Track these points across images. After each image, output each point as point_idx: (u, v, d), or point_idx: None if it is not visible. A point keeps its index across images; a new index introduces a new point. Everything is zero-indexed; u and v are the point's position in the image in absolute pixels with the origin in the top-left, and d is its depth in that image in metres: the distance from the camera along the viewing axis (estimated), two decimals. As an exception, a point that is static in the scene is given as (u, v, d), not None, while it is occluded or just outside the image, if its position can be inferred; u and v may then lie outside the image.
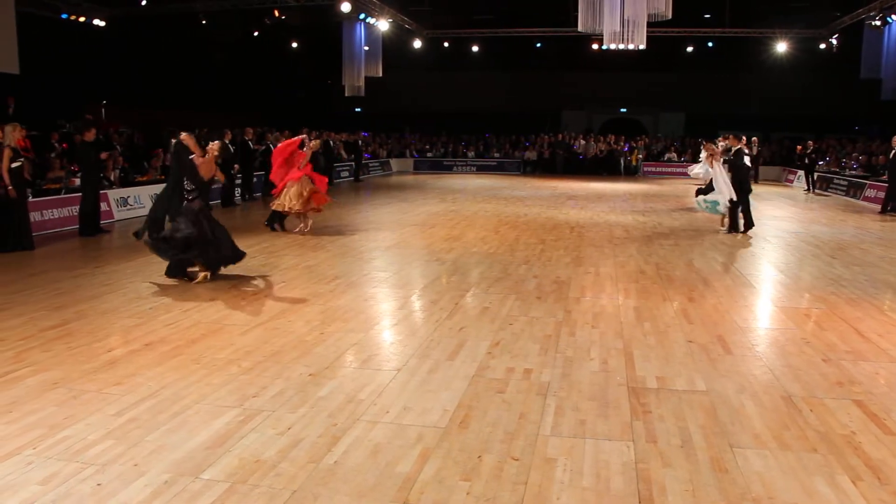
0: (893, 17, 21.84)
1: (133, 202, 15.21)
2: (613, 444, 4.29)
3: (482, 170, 31.38)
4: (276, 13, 25.80)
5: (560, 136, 32.35)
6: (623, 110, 35.86)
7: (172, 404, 4.78)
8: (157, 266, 9.43)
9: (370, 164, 28.97)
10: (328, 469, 3.93)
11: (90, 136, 12.44)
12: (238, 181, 17.81)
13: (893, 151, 17.27)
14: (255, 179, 18.83)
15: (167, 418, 4.55)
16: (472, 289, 8.49)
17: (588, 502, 3.64)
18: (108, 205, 14.34)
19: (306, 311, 7.31)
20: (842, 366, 5.76)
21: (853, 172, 22.69)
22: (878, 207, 17.53)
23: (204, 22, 24.84)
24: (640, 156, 30.79)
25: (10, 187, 10.64)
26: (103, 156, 14.04)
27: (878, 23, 22.61)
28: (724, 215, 13.66)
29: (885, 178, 18.29)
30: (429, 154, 32.49)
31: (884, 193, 17.68)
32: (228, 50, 28.97)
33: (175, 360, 5.67)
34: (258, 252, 10.63)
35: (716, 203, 13.62)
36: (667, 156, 30.53)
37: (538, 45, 31.96)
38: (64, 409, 4.69)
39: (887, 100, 22.43)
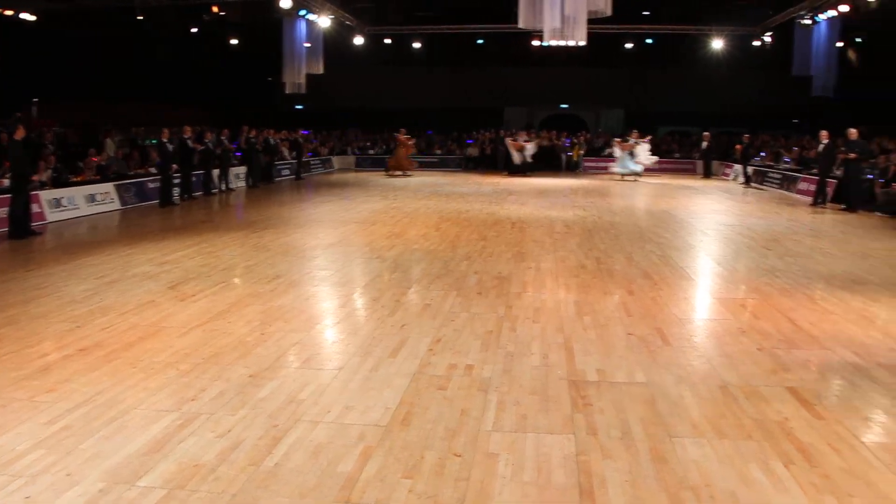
0: (821, 16, 22.51)
1: (67, 203, 14.83)
2: (555, 437, 4.33)
3: (424, 166, 31.29)
4: (215, 9, 25.40)
5: (502, 132, 32.47)
6: (564, 106, 36.16)
7: (108, 410, 4.67)
8: (93, 269, 9.25)
9: (311, 163, 28.69)
10: (268, 471, 3.89)
11: (19, 134, 12.09)
12: (176, 181, 17.48)
13: (822, 146, 17.83)
14: (193, 179, 18.50)
15: (102, 425, 4.45)
16: (413, 286, 8.49)
17: (529, 496, 3.67)
18: (40, 206, 13.95)
19: (246, 311, 7.22)
20: (776, 354, 5.92)
21: (786, 166, 23.27)
22: (810, 200, 18.02)
23: (140, 17, 24.32)
24: (582, 151, 31.07)
25: None
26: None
27: (807, 21, 23.28)
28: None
29: (815, 171, 18.82)
30: (370, 151, 32.29)
31: (815, 186, 18.19)
32: (167, 46, 28.40)
33: (111, 365, 5.54)
34: (197, 252, 10.47)
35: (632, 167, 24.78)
36: (607, 151, 30.79)
37: (480, 41, 32.03)
38: (-7, 418, 4.55)
39: (818, 96, 23.16)
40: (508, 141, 28.46)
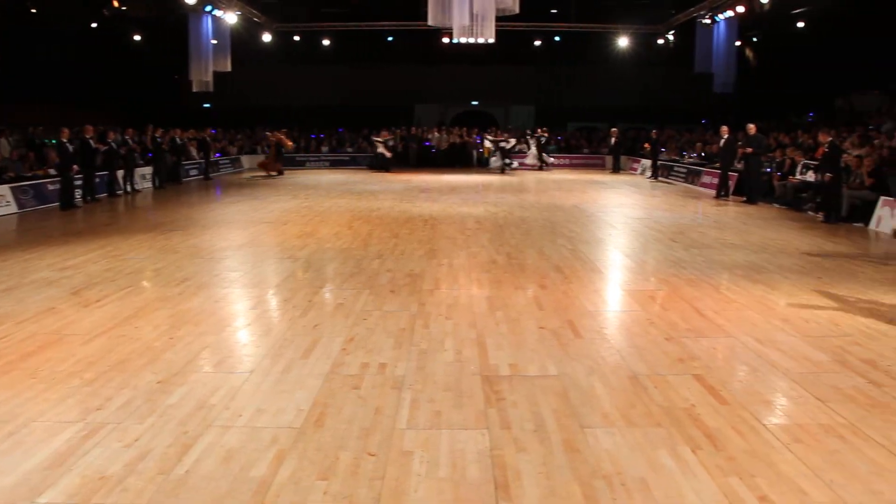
0: (720, 16, 23.39)
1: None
2: (469, 433, 4.36)
3: (335, 165, 31.09)
4: (116, 4, 24.60)
5: (413, 129, 32.51)
6: (474, 103, 36.43)
7: (4, 425, 4.45)
8: (-12, 275, 8.85)
9: (220, 162, 28.07)
10: (179, 479, 3.79)
11: None
12: (78, 182, 16.84)
13: (723, 140, 18.48)
14: (97, 180, 17.87)
15: (-2, 440, 4.25)
16: (326, 285, 8.42)
17: (445, 492, 3.68)
18: (-69, 211, 13.26)
19: (154, 315, 7.02)
20: (683, 343, 6.10)
21: (691, 160, 24.03)
22: (714, 193, 18.67)
23: (34, 11, 23.31)
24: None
25: None
26: None
27: (707, 21, 24.15)
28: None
29: (718, 165, 19.51)
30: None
31: (717, 180, 18.85)
32: (65, 42, 27.27)
33: (7, 377, 5.29)
34: (101, 256, 10.12)
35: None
36: (518, 147, 31.14)
37: (390, 38, 31.99)
38: None
39: (719, 93, 24.07)
40: (375, 139, 29.00)
